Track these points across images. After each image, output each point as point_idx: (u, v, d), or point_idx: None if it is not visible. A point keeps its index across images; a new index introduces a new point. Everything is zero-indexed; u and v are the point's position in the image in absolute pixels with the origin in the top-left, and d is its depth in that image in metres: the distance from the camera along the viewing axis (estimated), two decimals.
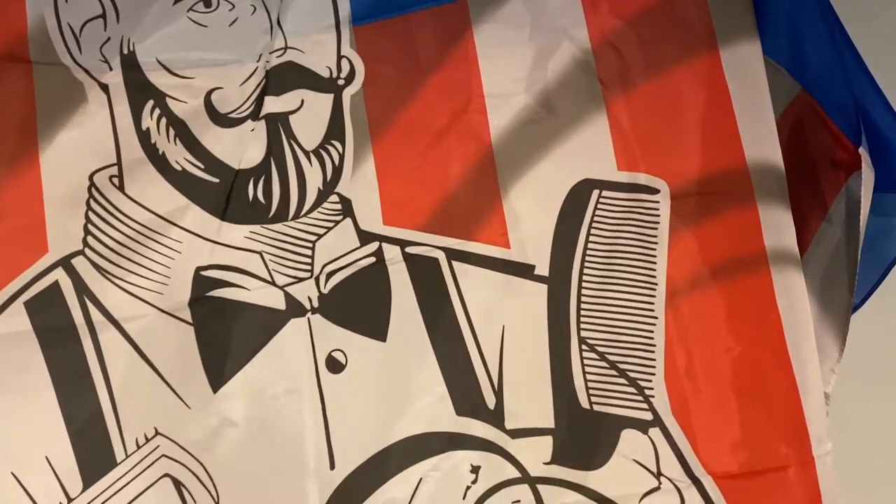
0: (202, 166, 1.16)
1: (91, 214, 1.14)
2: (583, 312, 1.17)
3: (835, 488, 1.15)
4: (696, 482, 1.14)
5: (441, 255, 1.16)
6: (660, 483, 1.14)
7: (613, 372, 1.16)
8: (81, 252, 1.14)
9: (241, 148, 1.16)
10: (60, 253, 1.13)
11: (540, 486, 1.12)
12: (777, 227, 1.20)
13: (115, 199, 1.15)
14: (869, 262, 1.27)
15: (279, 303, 1.14)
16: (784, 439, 1.16)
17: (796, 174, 1.23)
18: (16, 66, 1.14)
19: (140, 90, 1.16)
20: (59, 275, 1.13)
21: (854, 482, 1.21)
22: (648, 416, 1.15)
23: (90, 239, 1.14)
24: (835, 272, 1.27)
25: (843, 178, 1.26)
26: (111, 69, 1.16)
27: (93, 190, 1.15)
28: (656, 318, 1.17)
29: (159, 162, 1.16)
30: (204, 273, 1.14)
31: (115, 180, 1.15)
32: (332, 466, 1.10)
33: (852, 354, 1.25)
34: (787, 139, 1.25)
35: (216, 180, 1.16)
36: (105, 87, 1.16)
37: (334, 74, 1.19)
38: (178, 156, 1.16)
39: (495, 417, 1.13)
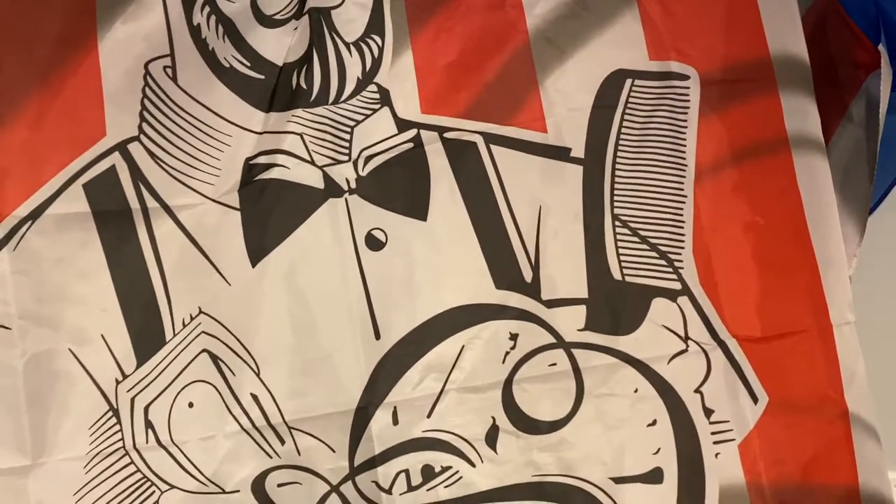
0: (248, 64, 1.21)
1: (146, 102, 1.19)
2: (616, 192, 1.22)
3: (854, 358, 1.20)
4: (722, 344, 1.20)
5: (479, 139, 1.21)
6: (687, 346, 1.20)
7: (645, 246, 1.21)
8: (137, 138, 1.19)
9: (285, 47, 1.22)
10: (118, 137, 1.18)
11: (574, 350, 1.18)
12: (799, 113, 1.24)
13: (169, 89, 1.20)
14: (885, 161, 1.30)
15: (318, 181, 1.20)
16: (803, 307, 1.21)
17: (817, 73, 1.26)
18: None
19: None
20: (116, 159, 1.18)
21: (876, 357, 1.25)
22: (677, 285, 1.20)
23: (145, 126, 1.19)
24: (855, 166, 1.31)
25: (863, 76, 1.30)
26: None
27: (148, 78, 1.20)
28: (686, 196, 1.22)
29: (209, 57, 1.21)
30: (251, 161, 1.20)
31: (169, 71, 1.20)
32: (378, 336, 1.17)
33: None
34: (809, 38, 1.28)
35: (261, 77, 1.21)
36: None
37: None
38: (227, 52, 1.21)
39: (532, 289, 1.19)
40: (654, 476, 1.17)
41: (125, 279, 1.17)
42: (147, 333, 1.16)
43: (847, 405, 1.19)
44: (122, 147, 1.19)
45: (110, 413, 1.14)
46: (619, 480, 1.17)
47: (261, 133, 1.21)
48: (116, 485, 1.14)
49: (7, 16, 1.18)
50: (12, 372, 1.12)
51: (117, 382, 1.15)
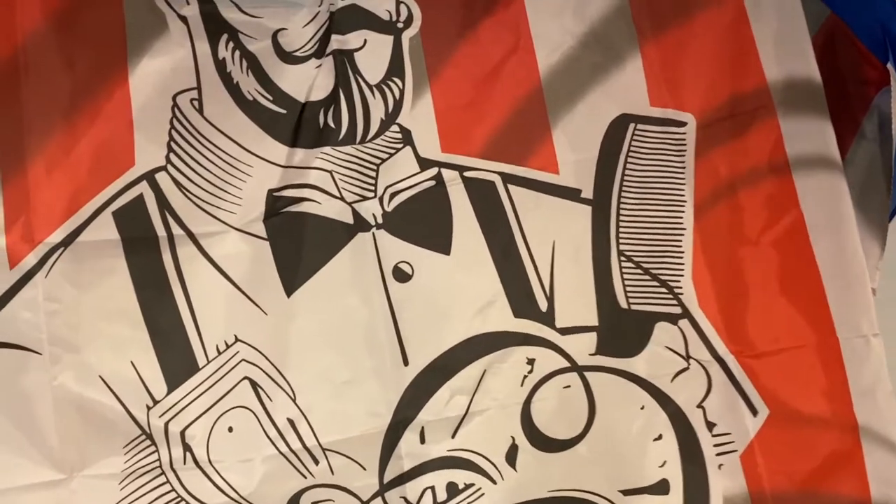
0: (271, 98, 1.27)
1: (174, 133, 1.24)
2: (621, 229, 1.30)
3: (870, 371, 1.25)
4: (720, 361, 1.28)
5: (497, 179, 1.29)
6: (689, 364, 1.28)
7: (647, 277, 1.30)
8: (164, 168, 1.23)
9: (306, 83, 1.27)
10: (146, 167, 1.22)
11: (587, 373, 1.26)
12: (804, 134, 1.30)
13: (196, 120, 1.25)
14: None
15: (347, 217, 1.26)
16: (803, 322, 1.28)
17: (828, 92, 1.32)
18: None
19: (215, 23, 1.26)
20: (144, 188, 1.22)
21: None
22: (678, 309, 1.29)
23: (172, 156, 1.24)
24: (871, 181, 1.36)
25: (873, 93, 1.36)
26: (188, 2, 1.26)
27: (175, 110, 1.24)
28: (685, 228, 1.31)
29: (234, 90, 1.26)
30: (276, 193, 1.25)
31: (196, 103, 1.25)
32: (406, 363, 1.23)
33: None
34: (819, 59, 1.33)
35: (283, 111, 1.27)
36: (184, 19, 1.26)
37: (394, 18, 1.31)
38: (250, 86, 1.27)
39: (547, 318, 1.27)
40: (661, 487, 1.25)
41: (152, 305, 1.20)
42: (176, 359, 1.20)
43: (857, 418, 1.25)
44: (149, 176, 1.23)
45: (143, 436, 1.18)
46: (627, 492, 1.25)
47: (286, 167, 1.26)
48: (152, 502, 1.18)
49: (42, 48, 1.21)
50: (43, 396, 1.16)
51: (148, 408, 1.18)
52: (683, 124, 1.33)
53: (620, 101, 1.33)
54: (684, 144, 1.33)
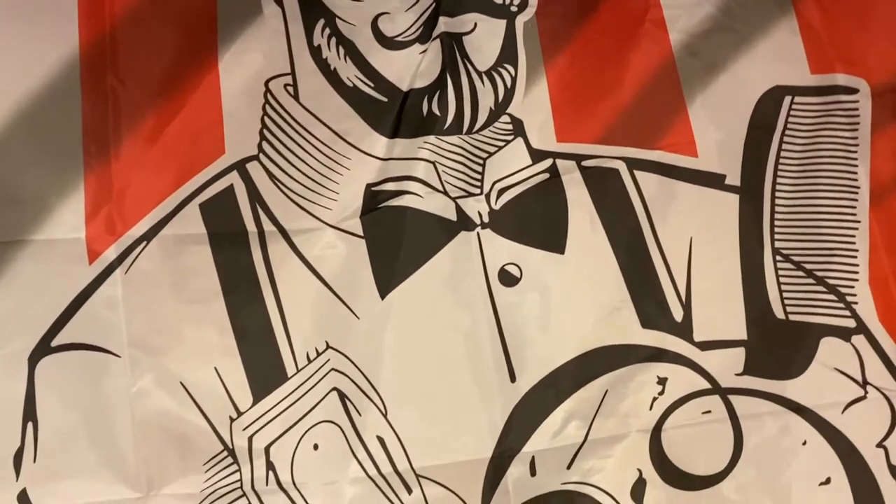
0: (372, 84, 1.18)
1: (266, 120, 1.17)
2: (777, 223, 1.13)
3: None
4: None
5: (622, 165, 1.15)
6: (866, 392, 1.09)
7: (811, 280, 1.11)
8: (256, 157, 1.16)
9: (410, 70, 1.18)
10: (236, 156, 1.15)
11: (731, 397, 1.08)
12: None
13: (290, 107, 1.17)
14: None
15: (450, 213, 1.15)
16: None
17: None
18: None
19: (311, 8, 1.20)
20: (234, 179, 1.14)
21: None
22: (851, 322, 1.11)
23: (265, 144, 1.16)
24: None
25: None
26: None
27: (268, 96, 1.17)
28: (859, 221, 1.13)
29: (332, 77, 1.19)
30: (375, 188, 1.16)
31: (290, 89, 1.18)
32: (513, 379, 1.10)
33: None
34: None
35: (385, 99, 1.18)
36: (279, 2, 1.20)
37: (507, 1, 1.21)
38: (350, 72, 1.19)
39: (683, 329, 1.11)
40: None
41: (240, 308, 1.12)
42: (264, 367, 1.11)
43: None
44: (240, 166, 1.16)
45: (225, 452, 1.10)
46: None
47: (385, 159, 1.17)
48: None
49: (131, 32, 1.18)
50: (121, 402, 1.09)
51: (231, 420, 1.10)
52: (855, 91, 1.16)
53: (772, 70, 1.17)
54: (857, 116, 1.15)
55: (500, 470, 1.07)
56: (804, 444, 1.07)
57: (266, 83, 1.17)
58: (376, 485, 1.08)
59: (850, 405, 1.09)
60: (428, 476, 1.08)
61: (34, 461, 1.06)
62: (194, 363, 1.10)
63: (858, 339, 1.10)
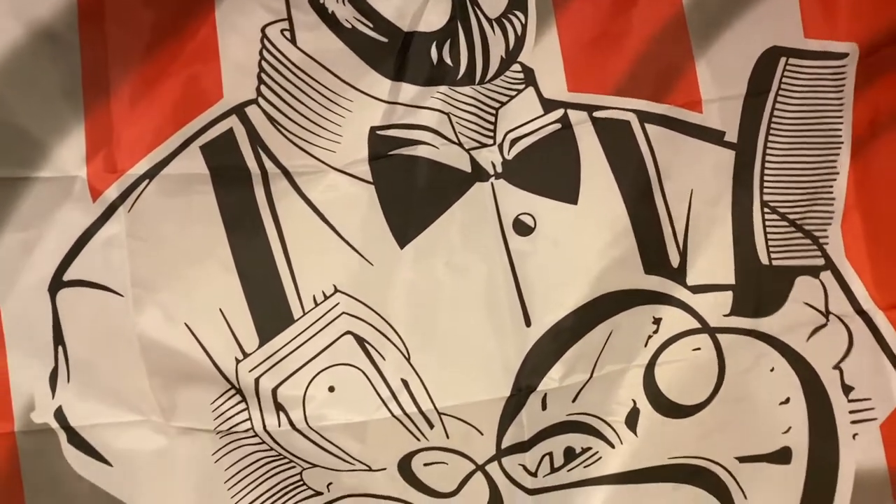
0: (371, 25, 1.14)
1: (264, 64, 1.14)
2: (766, 178, 1.19)
3: None
4: (864, 315, 1.18)
5: (633, 118, 1.16)
6: (827, 320, 1.18)
7: (792, 229, 1.19)
8: (255, 101, 1.14)
9: (411, 9, 1.15)
10: (235, 100, 1.14)
11: (719, 335, 1.17)
12: None
13: (288, 51, 1.14)
14: None
15: (465, 164, 1.16)
16: None
17: None
18: None
19: None
20: (234, 122, 1.14)
21: None
22: (821, 261, 1.18)
23: (263, 88, 1.14)
24: None
25: None
26: None
27: (265, 41, 1.14)
28: (838, 172, 1.19)
29: (329, 19, 1.15)
30: (382, 133, 1.15)
31: (287, 34, 1.14)
32: (528, 324, 1.15)
33: None
34: None
35: (385, 40, 1.14)
36: None
37: None
38: (347, 14, 1.14)
39: (678, 275, 1.17)
40: (782, 456, 1.18)
41: (245, 249, 1.13)
42: (270, 309, 1.13)
43: None
44: (239, 110, 1.14)
45: (233, 391, 1.12)
46: (743, 459, 1.18)
47: (391, 102, 1.15)
48: (252, 453, 1.14)
49: None
50: (128, 341, 1.10)
51: (237, 361, 1.12)
52: (843, 56, 1.19)
53: (771, 30, 1.18)
54: (843, 79, 1.19)
55: (516, 407, 1.15)
56: (772, 370, 1.18)
57: (262, 29, 1.13)
58: (401, 423, 1.14)
59: (813, 333, 1.18)
60: (449, 413, 1.15)
61: (68, 381, 1.10)
62: (198, 303, 1.11)
63: (825, 275, 1.18)
